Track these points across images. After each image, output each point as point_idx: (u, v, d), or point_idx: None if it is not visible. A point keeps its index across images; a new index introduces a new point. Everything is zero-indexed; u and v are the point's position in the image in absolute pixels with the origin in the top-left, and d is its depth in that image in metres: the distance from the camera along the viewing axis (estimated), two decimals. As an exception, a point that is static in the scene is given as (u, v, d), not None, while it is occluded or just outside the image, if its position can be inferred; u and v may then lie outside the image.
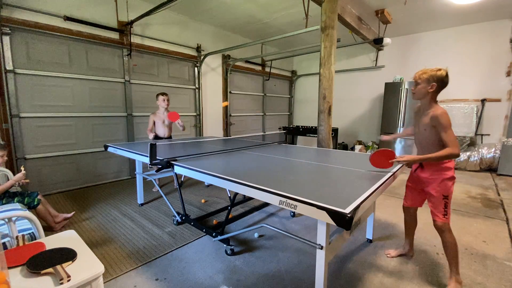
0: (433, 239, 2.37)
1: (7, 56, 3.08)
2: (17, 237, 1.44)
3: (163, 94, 3.61)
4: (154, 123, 3.66)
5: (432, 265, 1.99)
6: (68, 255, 1.16)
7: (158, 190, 3.62)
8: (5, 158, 2.33)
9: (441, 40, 5.36)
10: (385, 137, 2.26)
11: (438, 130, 1.61)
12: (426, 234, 2.48)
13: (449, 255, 1.73)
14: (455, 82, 5.31)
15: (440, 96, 6.13)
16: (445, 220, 1.71)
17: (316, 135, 3.75)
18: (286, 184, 1.48)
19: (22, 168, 2.23)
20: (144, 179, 3.20)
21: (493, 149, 4.75)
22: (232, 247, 2.14)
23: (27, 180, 2.36)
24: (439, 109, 1.62)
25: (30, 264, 1.08)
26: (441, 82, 1.65)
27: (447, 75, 1.65)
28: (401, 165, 2.01)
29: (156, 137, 3.75)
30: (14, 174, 2.58)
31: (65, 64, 3.56)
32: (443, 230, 1.72)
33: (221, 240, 2.21)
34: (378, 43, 5.00)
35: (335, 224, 1.09)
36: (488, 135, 5.07)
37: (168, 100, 3.62)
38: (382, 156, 1.79)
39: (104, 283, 1.50)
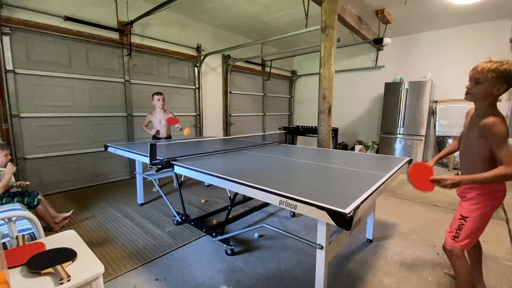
0: (433, 239, 2.37)
1: (7, 56, 3.08)
2: (17, 237, 1.45)
3: (158, 93, 3.62)
4: (150, 122, 3.70)
5: (432, 265, 1.99)
6: (68, 255, 1.16)
7: (158, 190, 3.62)
8: (9, 157, 2.33)
9: (441, 40, 5.36)
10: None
11: (489, 142, 1.27)
12: (426, 234, 2.48)
13: (458, 285, 1.45)
14: (455, 82, 5.31)
15: (440, 96, 6.13)
16: (453, 244, 1.41)
17: (316, 135, 3.75)
18: (286, 184, 1.48)
19: (9, 163, 2.24)
20: (144, 179, 3.20)
21: (493, 149, 4.75)
22: (232, 247, 2.14)
23: (27, 182, 2.36)
24: (492, 117, 1.25)
25: (30, 264, 1.08)
26: None
27: None
28: (400, 166, 2.01)
29: (155, 137, 3.76)
30: (14, 175, 2.59)
31: (65, 64, 3.56)
32: (450, 255, 1.44)
33: (221, 240, 2.21)
34: (378, 43, 5.00)
35: (335, 224, 1.09)
36: (488, 135, 5.07)
37: (163, 100, 3.63)
38: (421, 173, 1.42)
39: (104, 283, 1.50)
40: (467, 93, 1.36)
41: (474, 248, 1.63)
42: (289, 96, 8.08)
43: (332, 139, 3.53)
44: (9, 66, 3.11)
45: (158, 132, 3.71)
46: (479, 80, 1.29)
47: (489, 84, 1.26)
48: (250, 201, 3.24)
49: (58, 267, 1.07)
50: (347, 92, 6.83)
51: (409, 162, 2.22)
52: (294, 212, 2.80)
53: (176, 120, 3.64)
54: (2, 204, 2.15)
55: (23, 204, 2.24)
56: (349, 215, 1.06)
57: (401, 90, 5.17)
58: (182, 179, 4.31)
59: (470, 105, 4.91)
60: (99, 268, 1.11)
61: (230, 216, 2.63)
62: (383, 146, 5.54)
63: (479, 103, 1.35)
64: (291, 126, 7.30)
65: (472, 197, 1.39)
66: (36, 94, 3.35)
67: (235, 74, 6.16)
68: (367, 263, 2.01)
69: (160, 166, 2.07)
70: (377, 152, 5.89)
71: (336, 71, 4.77)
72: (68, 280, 1.01)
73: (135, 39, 4.16)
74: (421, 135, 5.03)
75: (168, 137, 3.84)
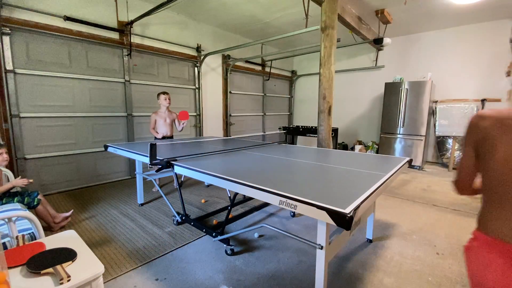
0: (433, 239, 2.37)
1: (7, 56, 3.08)
2: (17, 237, 1.45)
3: (164, 93, 3.65)
4: (155, 122, 3.70)
5: (432, 265, 1.99)
6: (68, 255, 1.16)
7: (158, 190, 3.62)
8: (5, 155, 2.31)
9: (441, 40, 5.36)
10: None
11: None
12: (426, 234, 2.48)
13: None
14: (455, 82, 5.31)
15: (440, 96, 6.15)
16: None
17: (316, 135, 3.75)
18: (286, 184, 1.48)
19: (26, 179, 2.22)
20: (144, 179, 3.20)
21: (493, 149, 4.74)
22: (232, 247, 2.14)
23: (31, 180, 2.35)
24: None
25: (30, 264, 1.08)
26: None
27: None
28: (400, 166, 2.00)
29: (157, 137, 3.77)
30: (14, 175, 2.59)
31: (65, 64, 3.56)
32: None
33: (221, 240, 2.21)
34: (378, 43, 4.99)
35: (335, 224, 1.09)
36: (488, 135, 5.06)
37: (169, 99, 3.66)
38: None
39: (104, 283, 1.50)
40: None
41: None
42: (289, 96, 8.08)
43: (332, 139, 3.53)
44: (9, 66, 3.11)
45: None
46: None
47: None
48: (250, 201, 3.24)
49: (58, 267, 1.06)
50: (347, 92, 6.83)
51: (409, 162, 2.23)
52: (294, 212, 2.80)
53: (186, 114, 3.59)
54: (2, 204, 2.15)
55: (23, 204, 2.24)
56: (349, 215, 1.06)
57: (401, 90, 5.17)
58: (182, 179, 4.31)
59: (471, 105, 4.91)
60: (99, 268, 1.11)
61: (230, 216, 2.63)
62: (383, 146, 5.53)
63: None
64: (291, 126, 7.30)
65: None
66: (36, 94, 3.35)
67: (235, 74, 6.16)
68: (367, 263, 2.01)
69: (160, 166, 2.07)
70: (377, 152, 5.89)
71: (336, 71, 4.78)
72: (68, 280, 1.01)
73: (135, 39, 4.16)
74: (421, 135, 5.03)
75: (170, 137, 3.85)
